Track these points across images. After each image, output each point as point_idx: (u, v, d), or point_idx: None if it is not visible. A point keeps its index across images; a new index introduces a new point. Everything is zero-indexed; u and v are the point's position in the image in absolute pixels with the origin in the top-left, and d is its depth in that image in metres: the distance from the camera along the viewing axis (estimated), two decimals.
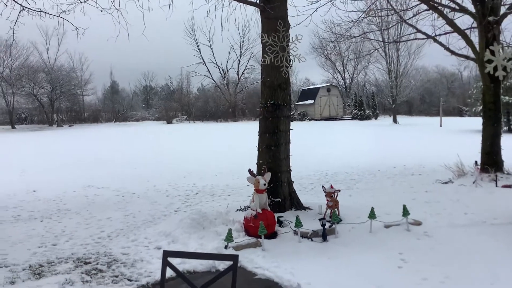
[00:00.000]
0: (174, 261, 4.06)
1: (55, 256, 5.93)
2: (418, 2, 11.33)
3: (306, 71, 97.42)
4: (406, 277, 4.77)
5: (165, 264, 2.97)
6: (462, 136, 26.11)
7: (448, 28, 11.29)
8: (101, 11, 8.08)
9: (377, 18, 14.95)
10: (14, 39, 8.37)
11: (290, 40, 7.65)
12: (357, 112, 57.79)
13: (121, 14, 8.10)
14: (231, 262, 2.89)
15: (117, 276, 5.09)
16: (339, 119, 58.06)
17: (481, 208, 7.70)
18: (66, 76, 61.45)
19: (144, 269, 5.27)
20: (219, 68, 67.92)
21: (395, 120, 46.74)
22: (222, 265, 5.07)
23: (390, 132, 31.83)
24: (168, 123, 59.69)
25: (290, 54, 7.62)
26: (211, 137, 30.73)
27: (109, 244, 6.42)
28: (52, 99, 60.05)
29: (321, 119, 56.97)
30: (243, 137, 26.51)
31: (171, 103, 68.18)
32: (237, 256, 2.92)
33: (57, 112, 63.60)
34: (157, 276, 4.92)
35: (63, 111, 66.32)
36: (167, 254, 3.02)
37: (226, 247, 5.73)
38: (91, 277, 5.07)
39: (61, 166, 15.94)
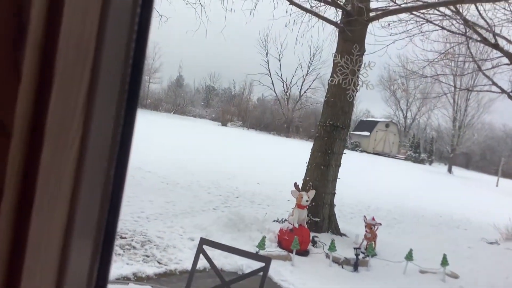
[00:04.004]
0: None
1: None
2: (500, 55, 10.96)
3: (368, 102, 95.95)
4: None
5: (200, 251, 3.04)
6: None
7: None
8: (186, 4, 8.41)
9: (453, 62, 14.59)
10: None
11: (362, 66, 7.64)
12: (412, 154, 56.29)
13: (204, 10, 8.40)
14: (259, 266, 2.93)
15: (148, 256, 5.24)
16: (392, 157, 56.74)
17: None
18: None
19: (175, 255, 5.39)
20: (283, 82, 68.05)
21: (450, 170, 45.13)
22: (249, 269, 5.08)
23: (443, 181, 30.77)
24: (223, 125, 60.50)
25: (359, 79, 7.61)
26: (264, 146, 30.84)
27: (146, 225, 6.60)
28: None
29: (373, 153, 55.88)
30: (294, 153, 26.43)
31: (230, 107, 69.14)
32: (270, 259, 2.95)
33: None
34: (186, 264, 5.02)
35: None
36: (203, 242, 3.09)
37: (256, 254, 5.75)
38: (124, 251, 5.25)
39: None
